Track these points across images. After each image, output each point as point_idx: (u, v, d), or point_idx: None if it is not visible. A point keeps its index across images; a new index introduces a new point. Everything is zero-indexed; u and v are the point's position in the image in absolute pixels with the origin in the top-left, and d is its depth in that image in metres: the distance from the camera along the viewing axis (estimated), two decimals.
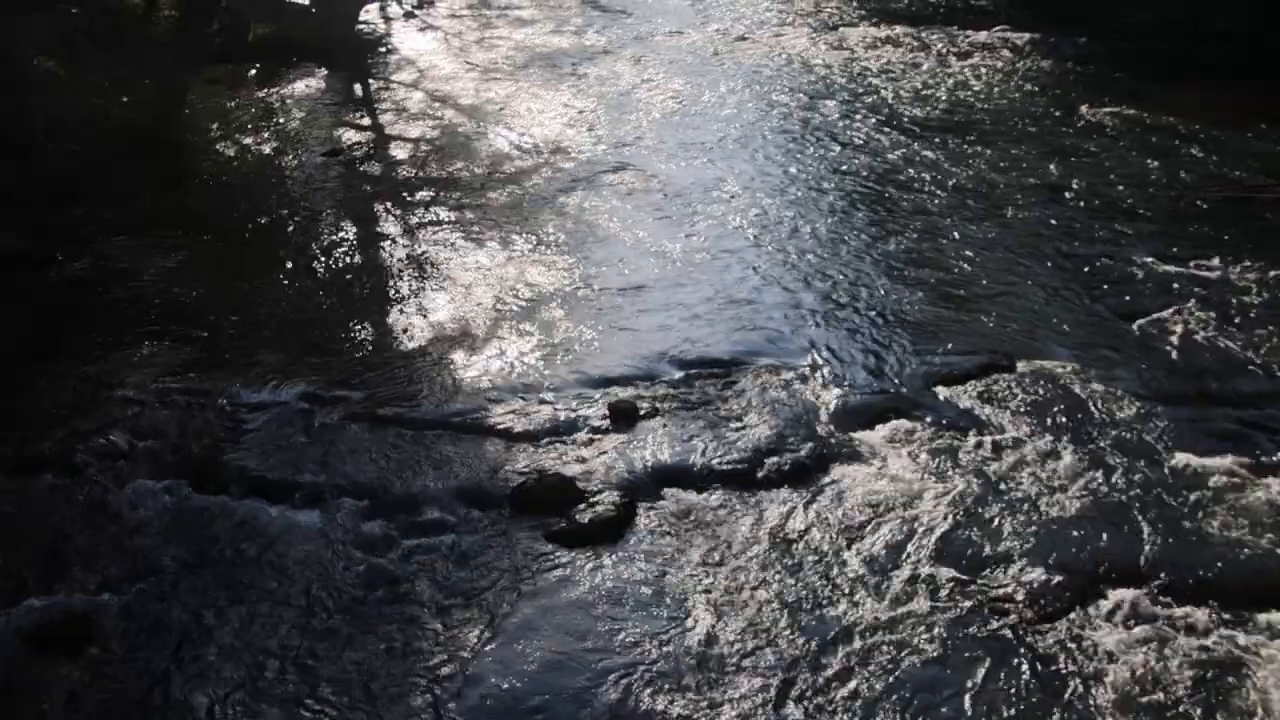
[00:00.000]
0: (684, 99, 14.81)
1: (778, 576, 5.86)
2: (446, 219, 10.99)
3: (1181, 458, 6.69)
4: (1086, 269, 9.30)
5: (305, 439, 7.22)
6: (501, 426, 7.33)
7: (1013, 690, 5.10)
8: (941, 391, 7.55)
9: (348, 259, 10.28)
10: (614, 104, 14.64)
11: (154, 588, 5.90)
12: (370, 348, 8.56)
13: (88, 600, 5.78)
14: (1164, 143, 12.29)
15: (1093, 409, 7.24)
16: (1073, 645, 5.33)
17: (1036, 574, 5.80)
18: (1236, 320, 8.32)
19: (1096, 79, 14.96)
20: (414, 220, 11.07)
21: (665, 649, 5.40)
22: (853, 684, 5.16)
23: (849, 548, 6.05)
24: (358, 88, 16.24)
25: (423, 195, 11.72)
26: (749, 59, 16.92)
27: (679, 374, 7.91)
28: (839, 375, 7.80)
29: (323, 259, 10.20)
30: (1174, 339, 8.13)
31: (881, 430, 7.13)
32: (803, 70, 16.13)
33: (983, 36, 17.38)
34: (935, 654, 5.31)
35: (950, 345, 8.14)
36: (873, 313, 8.69)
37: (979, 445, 6.90)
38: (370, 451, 7.08)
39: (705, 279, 9.39)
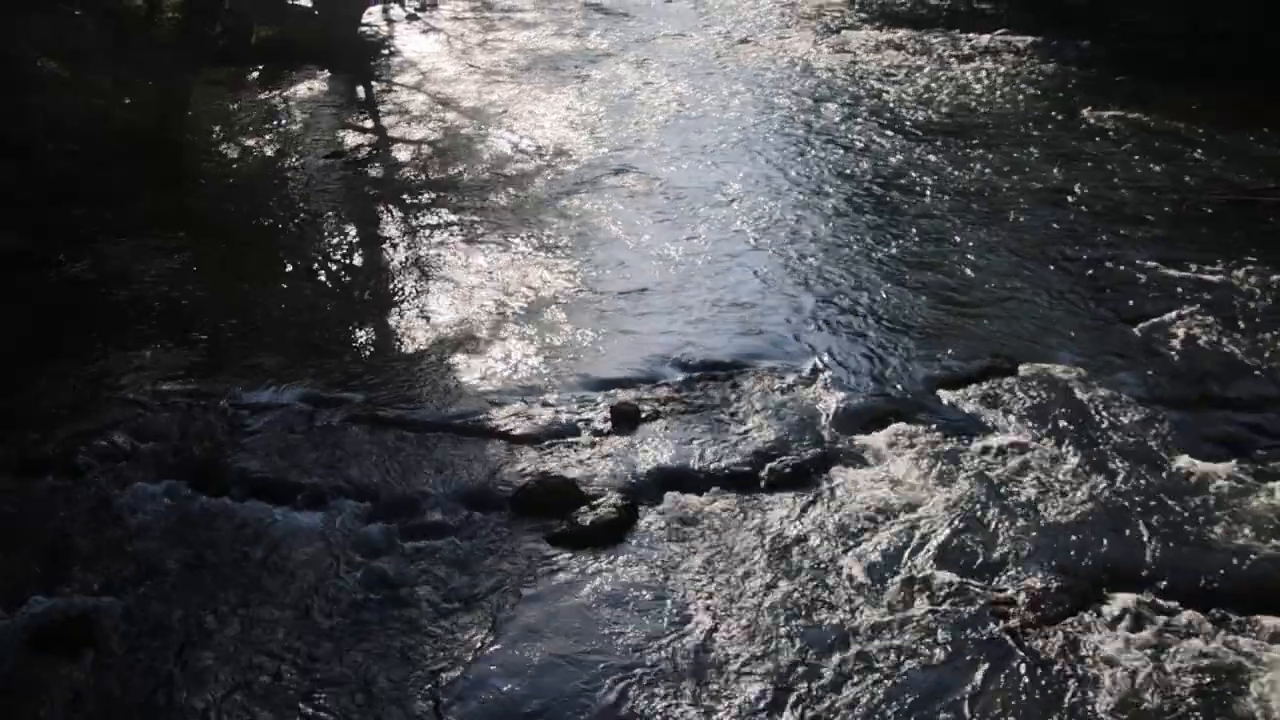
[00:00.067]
0: (686, 102, 14.81)
1: (779, 580, 5.85)
2: (448, 221, 10.99)
3: (1184, 462, 6.69)
4: (1089, 272, 9.30)
5: (307, 441, 7.22)
6: (503, 429, 7.33)
7: (1013, 694, 5.09)
8: (943, 395, 7.54)
9: (349, 261, 10.28)
10: (616, 107, 14.64)
11: (155, 589, 5.89)
12: (372, 350, 8.56)
13: (89, 601, 5.77)
14: (1166, 146, 12.29)
15: (1095, 413, 7.23)
16: (1073, 650, 5.32)
17: (1038, 578, 5.79)
18: (1239, 324, 8.32)
19: (1098, 82, 14.96)
20: (416, 222, 11.07)
21: (666, 652, 5.39)
22: (853, 687, 5.15)
23: (850, 551, 6.04)
24: (360, 90, 16.25)
25: (425, 197, 11.73)
26: (751, 62, 16.92)
27: (681, 376, 7.91)
28: (841, 378, 7.80)
29: (324, 261, 10.20)
30: (1176, 343, 8.12)
31: (883, 433, 7.12)
32: (805, 73, 16.13)
33: (984, 40, 17.39)
34: (936, 658, 5.30)
35: (952, 348, 8.13)
36: (874, 316, 8.69)
37: (981, 449, 6.89)
38: (372, 453, 7.07)
39: (707, 282, 9.39)
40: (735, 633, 5.49)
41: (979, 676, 5.19)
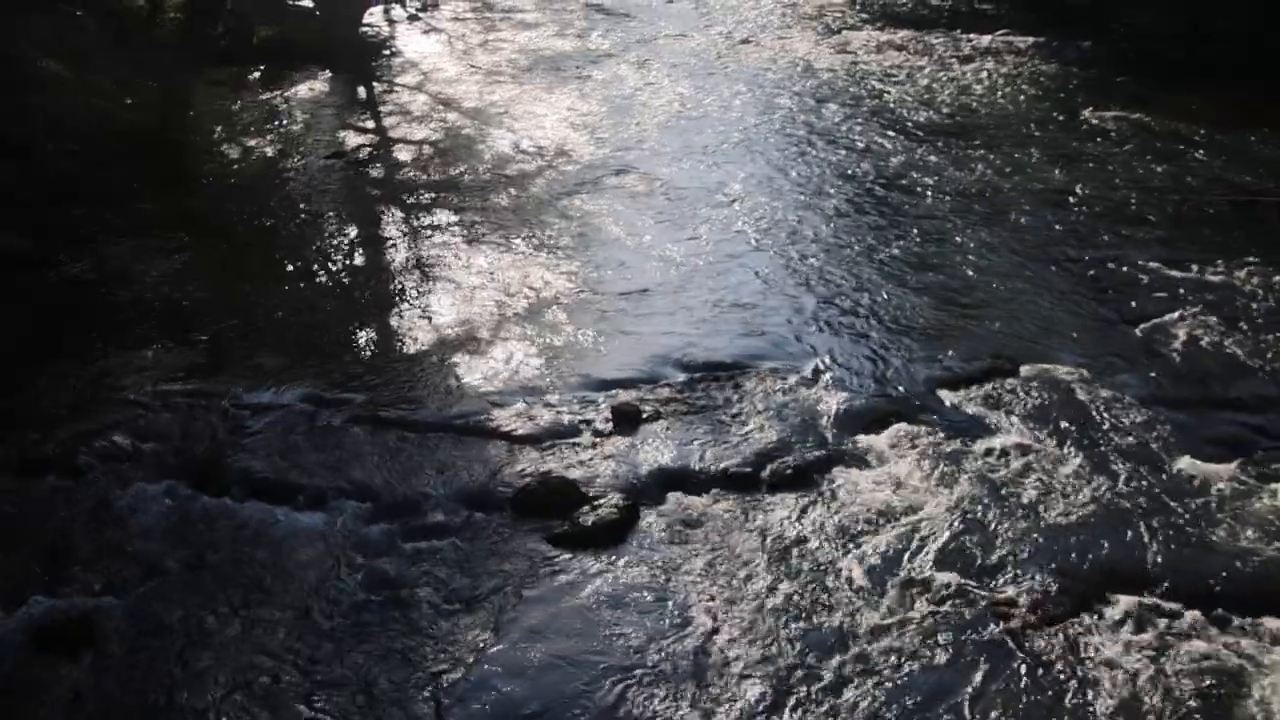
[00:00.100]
0: (687, 102, 14.80)
1: (780, 581, 5.85)
2: (449, 221, 10.99)
3: (1185, 463, 6.68)
4: (1090, 273, 9.29)
5: (308, 441, 7.22)
6: (504, 429, 7.32)
7: (1014, 696, 5.09)
8: (945, 395, 7.54)
9: (350, 261, 10.28)
10: (617, 107, 14.63)
11: (156, 590, 5.89)
12: (373, 350, 8.55)
13: (90, 602, 5.77)
14: (1168, 146, 12.28)
15: (1096, 414, 7.22)
16: (1075, 651, 5.32)
17: (1039, 579, 5.79)
18: (1241, 325, 8.31)
19: (1100, 82, 14.95)
20: (417, 222, 11.07)
21: (667, 654, 5.38)
22: (854, 689, 5.14)
23: (851, 552, 6.03)
24: (361, 90, 16.25)
25: (426, 198, 11.72)
26: (752, 62, 16.91)
27: (682, 377, 7.90)
28: (842, 379, 7.79)
29: (325, 261, 10.20)
30: (1178, 344, 8.12)
31: (885, 434, 7.11)
32: (806, 74, 16.12)
33: (986, 41, 17.37)
34: (937, 659, 5.30)
35: (954, 349, 8.12)
36: (876, 317, 8.68)
37: (982, 450, 6.89)
38: (373, 454, 7.07)
39: (708, 282, 9.39)
40: (736, 634, 5.49)
41: (980, 678, 5.19)
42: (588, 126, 13.82)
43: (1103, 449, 6.85)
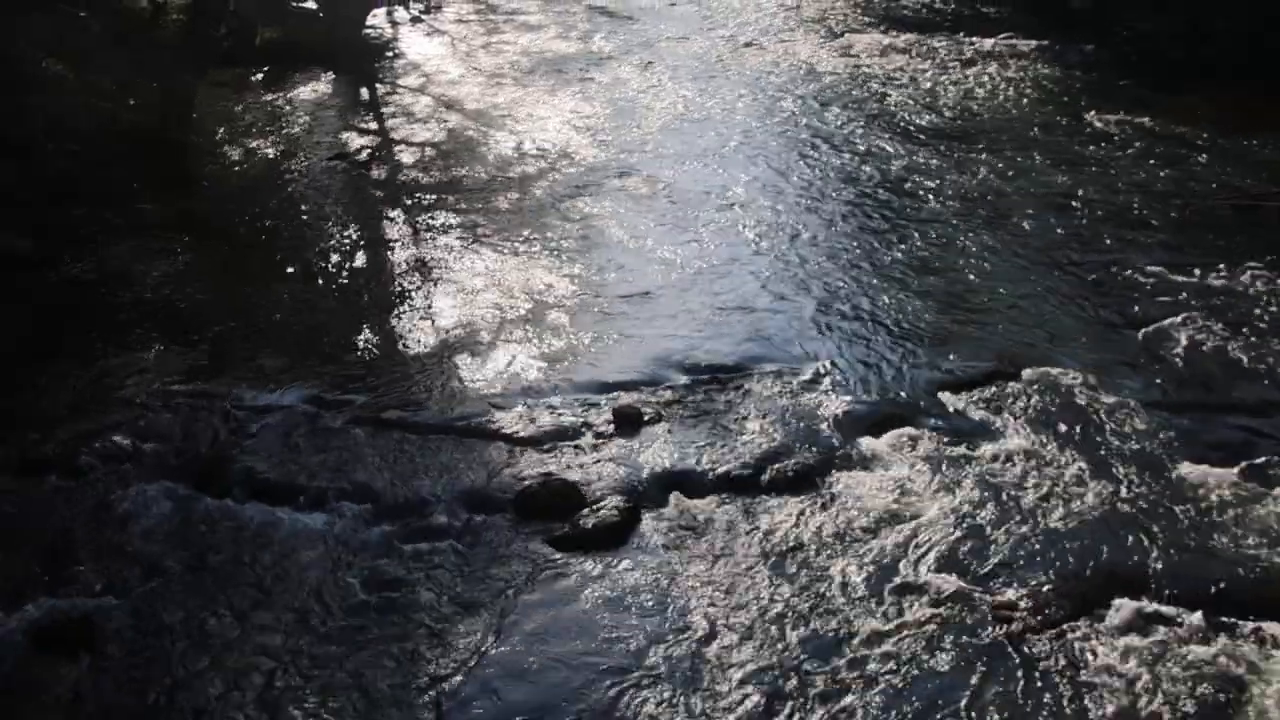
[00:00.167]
0: (689, 105, 14.80)
1: (780, 584, 5.84)
2: (452, 223, 10.99)
3: (1187, 467, 6.67)
4: (1093, 277, 9.29)
5: (309, 443, 7.22)
6: (506, 431, 7.32)
7: (1015, 699, 5.08)
8: (947, 399, 7.53)
9: (353, 262, 10.28)
10: (619, 109, 14.63)
11: (157, 591, 5.89)
12: (375, 352, 8.55)
13: (90, 603, 5.77)
14: (1170, 150, 12.27)
15: (1098, 417, 7.22)
16: (1075, 655, 5.32)
17: (1040, 583, 5.78)
18: (1243, 329, 8.30)
19: (1102, 86, 14.94)
20: (419, 224, 11.07)
21: (668, 656, 5.38)
22: (853, 692, 5.14)
23: (852, 555, 6.03)
24: (364, 92, 16.25)
25: (428, 199, 11.73)
26: (755, 65, 16.91)
27: (684, 379, 7.90)
28: (844, 382, 7.79)
29: (328, 262, 10.20)
30: (1180, 348, 8.11)
31: (886, 437, 7.11)
32: (809, 77, 16.11)
33: (989, 44, 17.36)
34: (937, 663, 5.29)
35: (956, 353, 8.12)
36: (878, 320, 8.68)
37: (983, 453, 6.88)
38: (374, 456, 7.07)
39: (710, 285, 9.38)
40: (737, 638, 5.48)
41: (982, 681, 5.18)
42: (590, 129, 13.82)
43: (1104, 453, 6.84)
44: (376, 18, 20.05)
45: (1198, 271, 9.22)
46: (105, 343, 8.53)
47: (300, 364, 8.22)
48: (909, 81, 15.56)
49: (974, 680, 5.19)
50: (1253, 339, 8.17)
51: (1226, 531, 6.11)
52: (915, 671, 5.24)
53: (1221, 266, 9.26)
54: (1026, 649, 5.35)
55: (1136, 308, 8.72)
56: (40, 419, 7.48)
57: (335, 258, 10.32)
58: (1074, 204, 10.89)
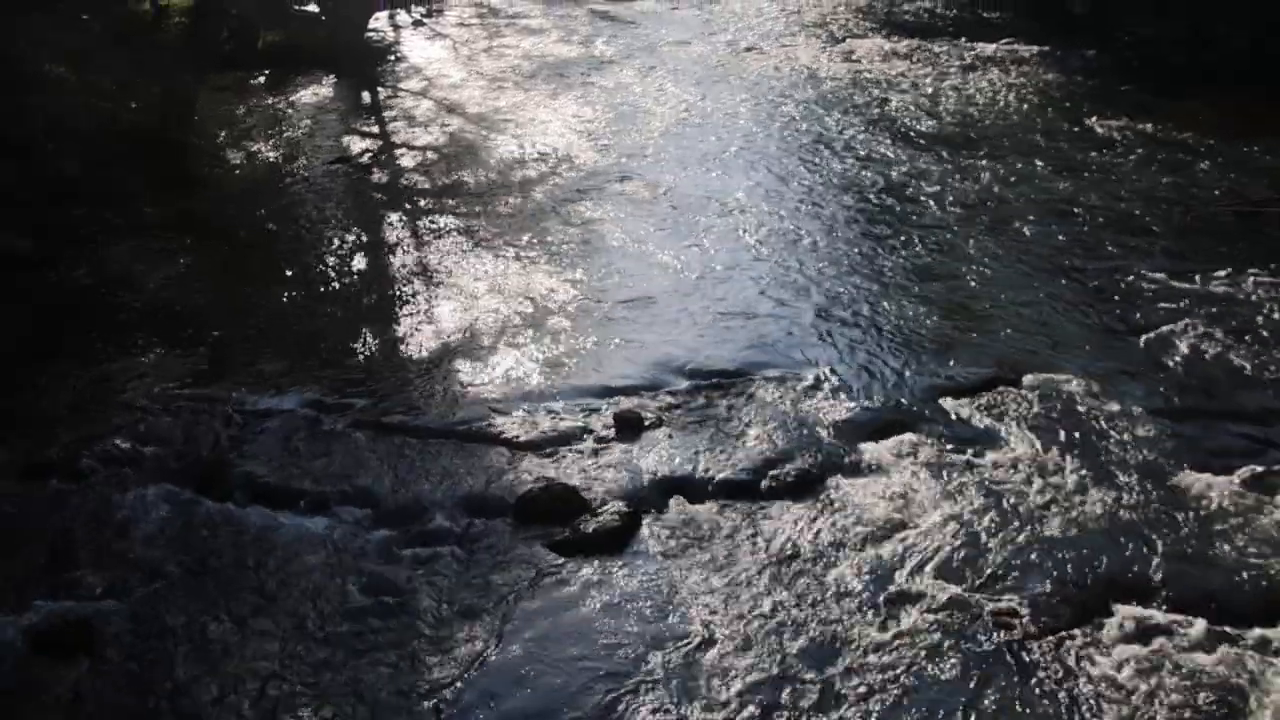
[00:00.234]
0: (691, 109, 14.82)
1: (780, 589, 5.83)
2: (453, 227, 10.99)
3: (1189, 474, 6.66)
4: (1095, 284, 9.28)
5: (310, 447, 7.22)
6: (506, 435, 7.32)
7: (1014, 707, 5.07)
8: (948, 405, 7.52)
9: (354, 266, 10.28)
10: (621, 114, 14.65)
11: (157, 594, 5.88)
12: (376, 356, 8.55)
13: (91, 606, 5.76)
14: (1172, 156, 12.28)
15: (1099, 424, 7.21)
16: (1076, 661, 5.30)
17: (1041, 589, 5.77)
18: (1245, 336, 8.29)
19: (1104, 92, 14.96)
20: (421, 228, 11.07)
21: (667, 662, 5.37)
22: (853, 698, 5.13)
23: (852, 562, 6.02)
24: (366, 95, 16.28)
25: (429, 203, 11.73)
26: (756, 70, 16.93)
27: (685, 384, 7.90)
28: (845, 387, 7.78)
29: (328, 266, 10.20)
30: (1182, 354, 8.10)
31: (887, 443, 7.10)
32: (810, 82, 16.13)
33: (991, 50, 17.39)
34: (937, 670, 5.28)
35: (957, 359, 8.11)
36: (879, 326, 8.68)
37: (984, 459, 6.88)
38: (375, 460, 7.07)
39: (711, 290, 9.38)
40: (736, 644, 5.47)
41: (982, 689, 5.17)
42: (591, 133, 13.83)
43: (1106, 460, 6.83)
44: (378, 21, 20.11)
45: (1199, 278, 9.21)
46: (105, 344, 8.53)
47: (301, 368, 8.22)
48: (910, 87, 15.58)
49: (974, 688, 5.17)
50: (1255, 346, 8.17)
51: (1228, 539, 6.10)
52: (915, 679, 5.23)
53: (1223, 273, 9.26)
54: (1027, 657, 5.34)
55: (1138, 314, 8.72)
56: (41, 421, 7.48)
57: (336, 261, 10.32)
58: (1076, 210, 10.89)
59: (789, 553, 6.11)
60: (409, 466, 7.00)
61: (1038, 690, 5.15)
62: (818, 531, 6.27)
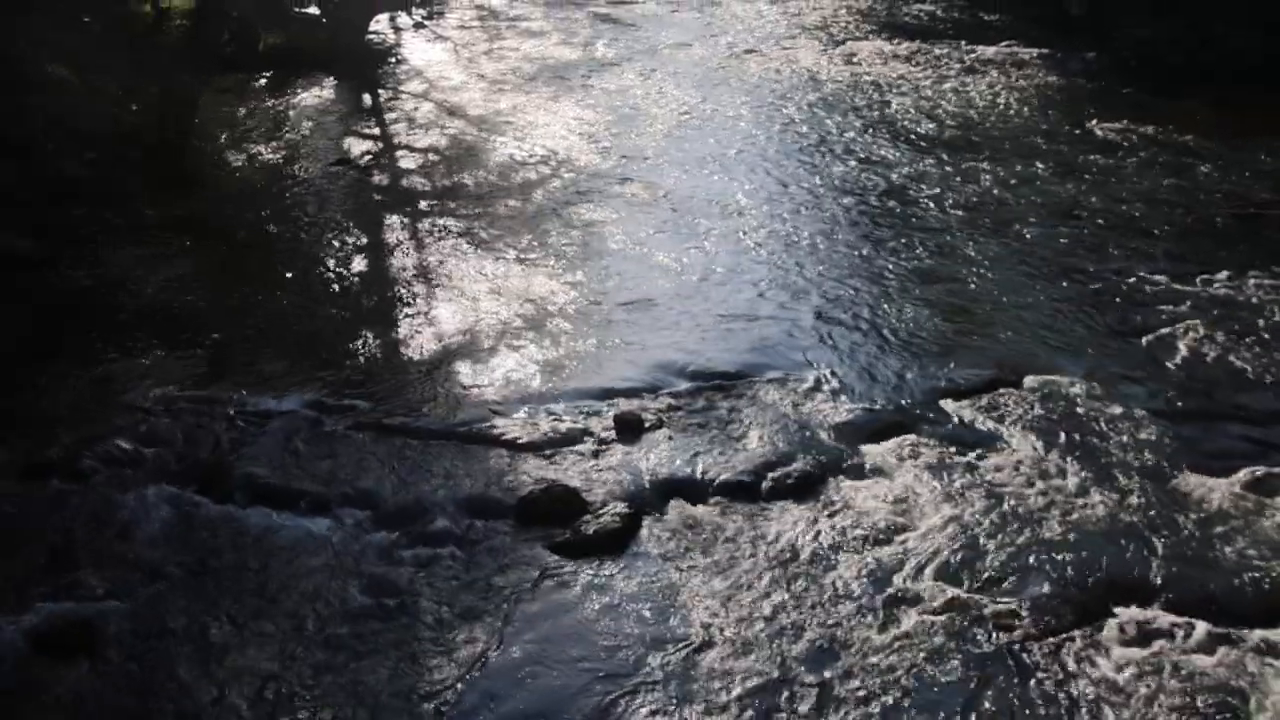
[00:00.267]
0: (692, 112, 14.83)
1: (781, 591, 5.83)
2: (454, 229, 11.00)
3: (1190, 476, 6.66)
4: (1095, 285, 9.29)
5: (311, 448, 7.21)
6: (507, 437, 7.32)
7: (1014, 708, 5.06)
8: (948, 407, 7.52)
9: (355, 268, 10.29)
10: (621, 116, 14.66)
11: (158, 595, 5.87)
12: (377, 357, 8.55)
13: (93, 607, 5.76)
14: (1173, 158, 12.30)
15: (1100, 425, 7.21)
16: (1077, 663, 5.30)
17: (1041, 591, 5.77)
18: (1246, 337, 8.30)
19: (1104, 93, 14.98)
20: (422, 230, 11.08)
21: (668, 664, 5.36)
22: (853, 701, 5.12)
23: (853, 563, 6.02)
24: (367, 97, 16.29)
25: (430, 205, 11.74)
26: (757, 72, 16.94)
27: (685, 386, 7.90)
28: (846, 389, 7.78)
29: (330, 267, 10.21)
30: (1183, 356, 8.11)
31: (888, 444, 7.10)
32: (811, 84, 16.15)
33: (991, 52, 17.41)
34: (937, 672, 5.27)
35: (957, 361, 8.12)
36: (880, 328, 8.68)
37: (985, 461, 6.87)
38: (376, 461, 7.06)
39: (711, 292, 9.39)
40: (736, 647, 5.46)
41: (982, 691, 5.16)
42: (592, 135, 13.85)
43: (1106, 462, 6.83)
44: (379, 23, 20.13)
45: (1200, 280, 9.23)
46: (106, 345, 8.53)
47: (302, 369, 8.22)
48: (911, 89, 15.59)
49: (974, 690, 5.17)
50: (1256, 348, 8.17)
51: (1229, 541, 6.09)
52: (915, 682, 5.22)
53: (1224, 275, 9.27)
54: (1027, 659, 5.34)
55: (1139, 316, 8.72)
56: (41, 421, 7.48)
57: (337, 262, 10.32)
58: (1077, 212, 10.90)
59: (789, 554, 6.11)
60: (410, 468, 7.00)
61: (1037, 693, 5.14)
62: (818, 533, 6.27)
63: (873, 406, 7.57)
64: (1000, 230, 10.54)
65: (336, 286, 9.84)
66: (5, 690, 5.30)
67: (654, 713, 5.08)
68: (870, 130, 13.76)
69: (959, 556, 6.03)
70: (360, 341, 8.77)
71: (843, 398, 7.67)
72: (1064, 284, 9.35)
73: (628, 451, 7.12)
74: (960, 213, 11.01)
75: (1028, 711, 5.05)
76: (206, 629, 5.64)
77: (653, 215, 11.19)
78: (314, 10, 19.24)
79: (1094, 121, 13.67)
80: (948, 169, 12.26)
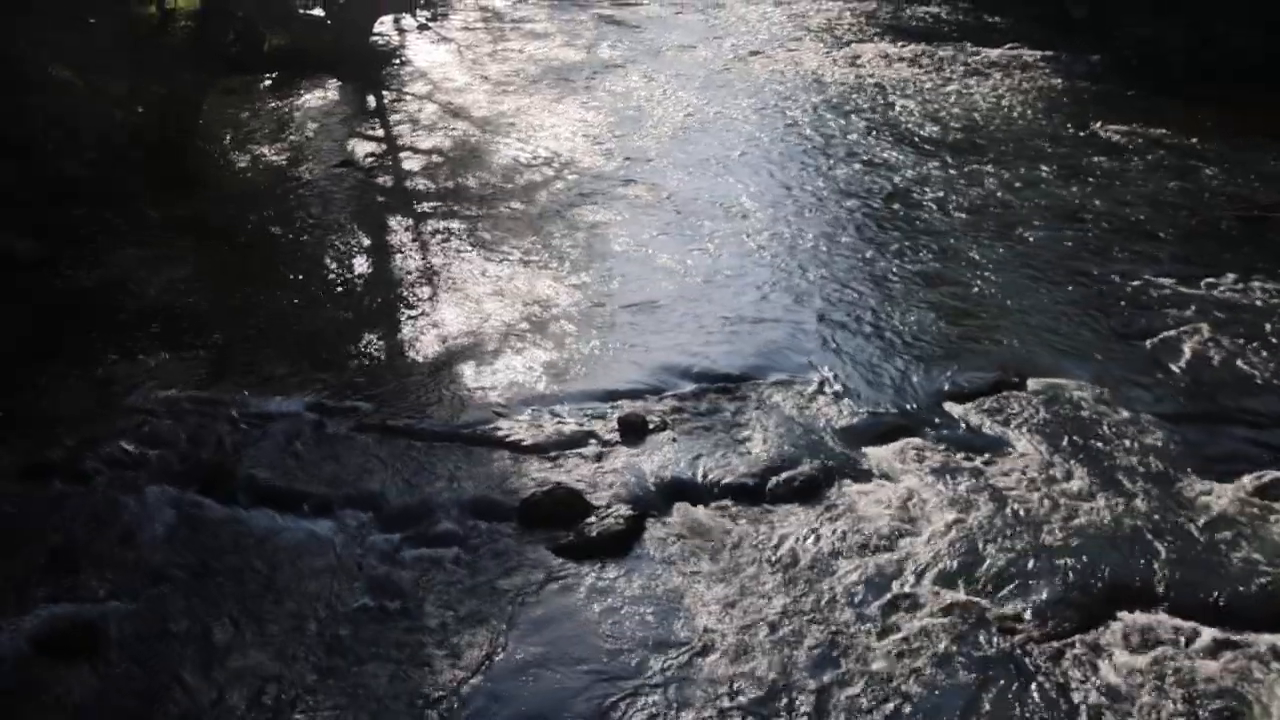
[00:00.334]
0: (696, 114, 14.83)
1: (785, 595, 5.82)
2: (458, 230, 10.99)
3: (1194, 478, 6.65)
4: (1100, 288, 9.27)
5: (314, 449, 7.20)
6: (511, 439, 7.31)
7: (1017, 713, 5.05)
8: (952, 409, 7.51)
9: (358, 269, 10.29)
10: (625, 118, 14.66)
11: (161, 597, 5.87)
12: (380, 358, 8.55)
13: (95, 608, 5.75)
14: (1178, 161, 12.28)
15: (1104, 428, 7.19)
16: (1080, 667, 5.28)
17: (1045, 595, 5.75)
18: (1251, 341, 8.28)
19: (1109, 96, 14.97)
20: (425, 231, 11.08)
21: (671, 667, 5.36)
22: (855, 705, 5.11)
23: (856, 567, 6.00)
24: (371, 99, 16.30)
25: (434, 206, 11.74)
26: (761, 74, 16.94)
27: (689, 388, 7.89)
28: (849, 391, 7.77)
29: (333, 269, 10.21)
30: (1187, 358, 8.09)
31: (891, 447, 7.09)
32: (815, 87, 16.14)
33: (995, 54, 17.40)
34: (940, 676, 5.26)
35: (962, 363, 8.10)
36: (884, 330, 8.67)
37: (989, 464, 6.86)
38: (379, 462, 7.06)
39: (715, 294, 9.37)
40: (740, 650, 5.45)
41: (983, 692, 5.15)
42: (596, 137, 13.84)
43: (1111, 465, 6.82)
44: (383, 25, 20.15)
45: (1205, 283, 9.21)
46: (107, 345, 8.52)
47: (305, 370, 8.21)
48: (915, 91, 15.58)
49: (977, 694, 5.16)
50: (1262, 351, 8.15)
51: (1234, 546, 6.08)
52: (918, 685, 5.21)
53: (1230, 278, 9.25)
54: (1030, 663, 5.32)
55: (1144, 319, 8.71)
56: (42, 422, 7.47)
57: (341, 264, 10.32)
58: (1081, 215, 10.89)
59: (793, 558, 6.09)
60: (413, 470, 6.99)
61: (1040, 697, 5.13)
62: (822, 536, 6.26)
63: (877, 409, 7.56)
64: (1004, 233, 10.53)
65: (340, 288, 9.84)
66: (7, 691, 5.30)
67: (656, 716, 5.07)
68: (874, 132, 13.75)
69: (962, 560, 6.01)
70: (363, 343, 8.76)
71: (847, 400, 7.65)
72: (1068, 287, 9.33)
73: (632, 454, 7.11)
74: (964, 215, 11.00)
75: (1030, 716, 5.03)
76: (209, 631, 5.64)
77: (656, 217, 11.19)
78: (319, 12, 19.27)
79: (1098, 124, 13.66)
80: (951, 171, 12.24)
